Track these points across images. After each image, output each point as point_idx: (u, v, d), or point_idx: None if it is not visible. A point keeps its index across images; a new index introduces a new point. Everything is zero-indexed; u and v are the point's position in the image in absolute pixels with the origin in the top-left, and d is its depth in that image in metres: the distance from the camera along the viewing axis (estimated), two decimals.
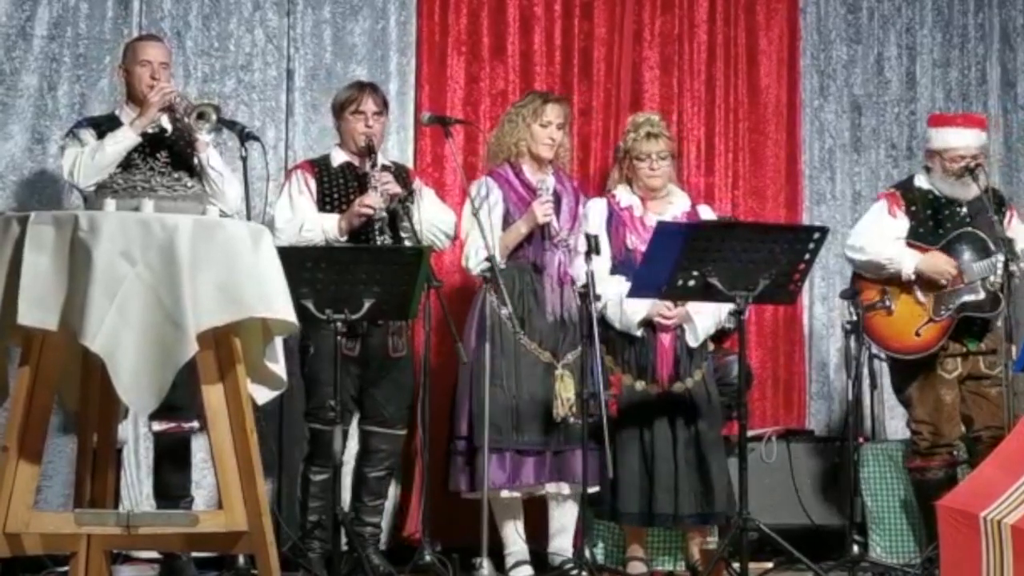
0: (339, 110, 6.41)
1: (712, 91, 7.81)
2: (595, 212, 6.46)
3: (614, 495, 6.27)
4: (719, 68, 7.82)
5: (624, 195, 6.49)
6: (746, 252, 5.75)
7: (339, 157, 6.42)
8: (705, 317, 6.36)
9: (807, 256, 5.84)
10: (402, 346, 6.35)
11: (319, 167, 6.40)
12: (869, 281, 6.59)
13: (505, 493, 6.26)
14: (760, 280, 5.75)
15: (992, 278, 6.32)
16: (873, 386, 7.05)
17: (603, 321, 6.28)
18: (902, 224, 6.56)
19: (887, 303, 6.50)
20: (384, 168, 6.35)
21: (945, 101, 8.20)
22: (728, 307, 6.33)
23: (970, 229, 6.43)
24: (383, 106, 6.44)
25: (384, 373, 6.29)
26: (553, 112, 6.48)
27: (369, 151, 6.28)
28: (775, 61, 7.95)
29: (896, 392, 6.71)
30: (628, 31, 7.66)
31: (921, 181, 6.62)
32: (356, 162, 6.36)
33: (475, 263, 6.28)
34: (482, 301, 6.30)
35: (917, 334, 6.45)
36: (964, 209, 6.52)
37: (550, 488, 6.33)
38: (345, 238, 6.22)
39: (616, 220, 6.43)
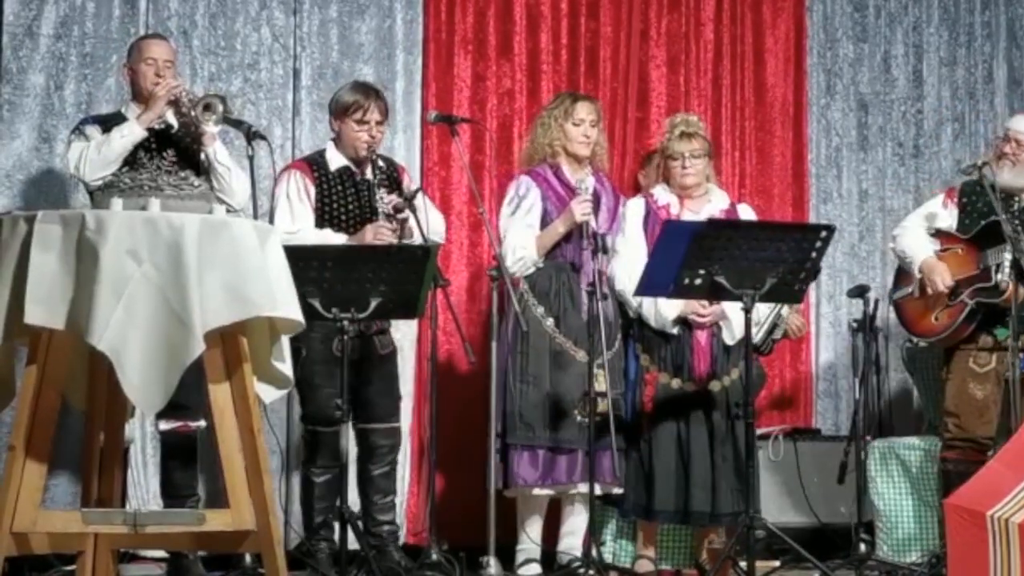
0: (341, 113, 6.27)
1: (719, 90, 7.81)
2: (633, 211, 6.46)
3: (649, 493, 6.27)
4: (726, 67, 7.83)
5: (662, 194, 6.49)
6: (753, 251, 5.74)
7: (336, 159, 6.28)
8: (742, 316, 6.33)
9: (814, 255, 5.83)
10: (388, 343, 6.33)
11: (316, 169, 6.25)
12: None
13: (537, 490, 6.27)
14: (767, 279, 5.75)
15: (1000, 276, 6.30)
16: (912, 371, 7.18)
17: (639, 319, 6.31)
18: (949, 214, 6.55)
19: (913, 290, 6.51)
20: (378, 170, 6.32)
21: (952, 99, 8.21)
22: (767, 308, 6.33)
23: (1003, 217, 6.32)
24: (386, 114, 6.38)
25: (373, 370, 6.27)
26: (584, 110, 6.48)
27: (372, 163, 6.22)
28: (781, 60, 7.95)
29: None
30: (635, 30, 7.67)
31: (990, 174, 6.54)
32: (354, 167, 6.28)
33: (512, 262, 6.27)
34: (518, 300, 6.25)
35: (935, 318, 6.46)
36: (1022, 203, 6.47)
37: (582, 488, 6.30)
38: None
39: (653, 219, 6.42)
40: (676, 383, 6.34)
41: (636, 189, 7.15)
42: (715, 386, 6.35)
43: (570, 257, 6.40)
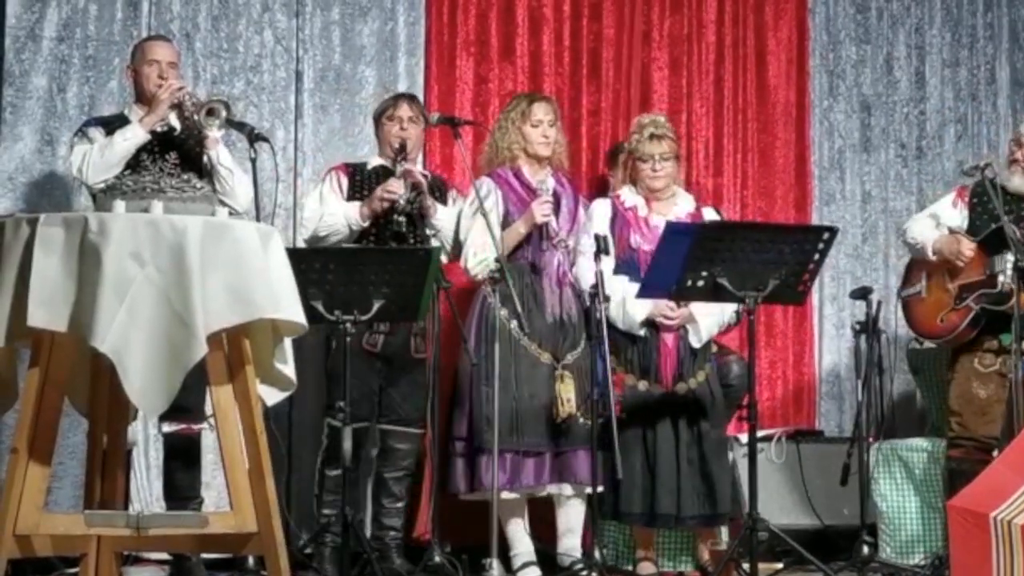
0: (377, 119, 6.58)
1: (721, 91, 7.81)
2: (600, 212, 6.45)
3: (616, 495, 6.26)
4: (728, 69, 7.83)
5: (629, 195, 6.48)
6: (755, 252, 5.74)
7: (375, 162, 6.56)
8: (709, 318, 6.34)
9: (816, 256, 5.83)
10: (424, 347, 6.37)
11: (353, 168, 6.53)
12: (918, 267, 6.59)
13: (505, 494, 6.26)
14: (769, 280, 5.75)
15: (1002, 278, 6.29)
16: (915, 373, 7.28)
17: (606, 320, 6.29)
18: (959, 215, 6.53)
19: (920, 288, 6.51)
20: (421, 175, 6.45)
21: (955, 101, 8.21)
22: (732, 307, 6.33)
23: (1006, 219, 6.29)
24: (419, 114, 6.54)
25: (404, 373, 6.32)
26: (541, 110, 6.49)
27: (401, 149, 6.36)
28: (784, 61, 7.95)
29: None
30: (637, 32, 7.67)
31: (1003, 176, 6.52)
32: (391, 166, 6.44)
33: (473, 264, 6.29)
34: (482, 302, 6.32)
35: (941, 320, 6.46)
36: None
37: (552, 489, 6.32)
38: (367, 223, 6.28)
39: (620, 220, 6.41)
40: (643, 385, 6.32)
41: (606, 189, 7.11)
42: (681, 388, 6.33)
43: (531, 258, 6.40)
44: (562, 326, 6.35)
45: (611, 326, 6.27)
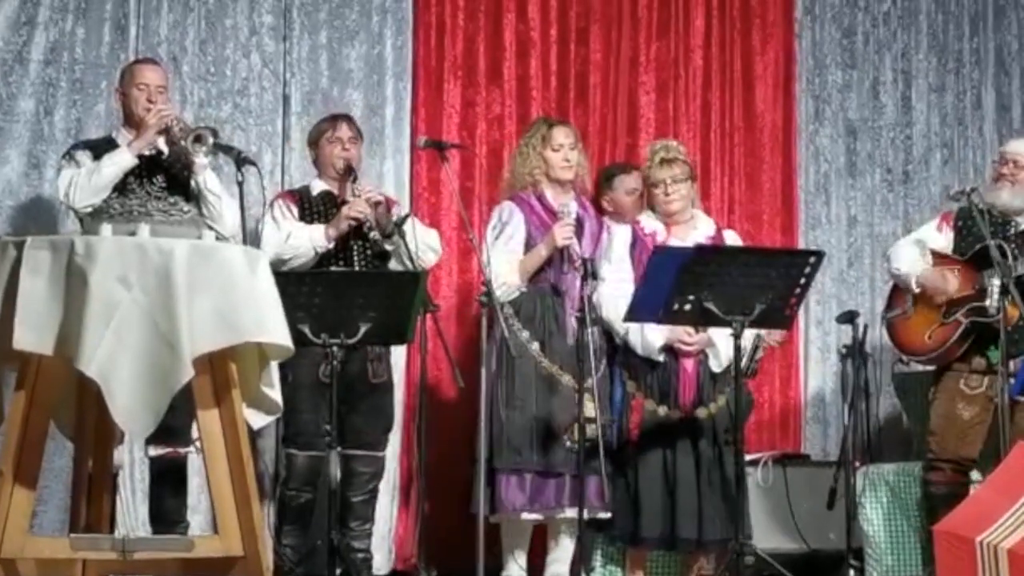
0: (315, 141, 6.49)
1: (708, 116, 7.83)
2: (620, 238, 6.45)
3: (636, 520, 6.25)
4: (715, 93, 7.84)
5: (648, 221, 6.48)
6: (742, 276, 5.74)
7: (318, 186, 6.46)
8: (728, 342, 6.33)
9: (803, 280, 5.83)
10: (382, 371, 6.36)
11: (299, 195, 6.45)
12: (903, 291, 6.59)
13: (525, 515, 6.26)
14: (756, 304, 5.74)
15: (989, 301, 6.28)
16: (902, 396, 7.27)
17: (625, 346, 6.29)
18: (944, 238, 6.54)
19: (907, 309, 6.51)
20: (379, 193, 6.39)
21: (941, 126, 8.23)
22: (750, 333, 6.29)
23: (992, 242, 6.28)
24: (358, 133, 6.51)
25: (364, 398, 6.28)
26: (561, 134, 6.49)
27: (348, 171, 6.33)
28: (771, 86, 7.97)
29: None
30: (624, 56, 7.68)
31: (989, 196, 6.51)
32: (335, 190, 6.40)
33: (495, 288, 6.26)
34: (505, 325, 6.28)
35: (929, 336, 6.45)
36: (1021, 226, 6.46)
37: (569, 513, 6.29)
38: (332, 245, 6.24)
39: (640, 246, 6.40)
40: (662, 410, 6.31)
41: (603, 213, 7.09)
42: (702, 413, 6.33)
43: (552, 281, 6.39)
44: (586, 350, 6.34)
45: (630, 351, 6.29)
